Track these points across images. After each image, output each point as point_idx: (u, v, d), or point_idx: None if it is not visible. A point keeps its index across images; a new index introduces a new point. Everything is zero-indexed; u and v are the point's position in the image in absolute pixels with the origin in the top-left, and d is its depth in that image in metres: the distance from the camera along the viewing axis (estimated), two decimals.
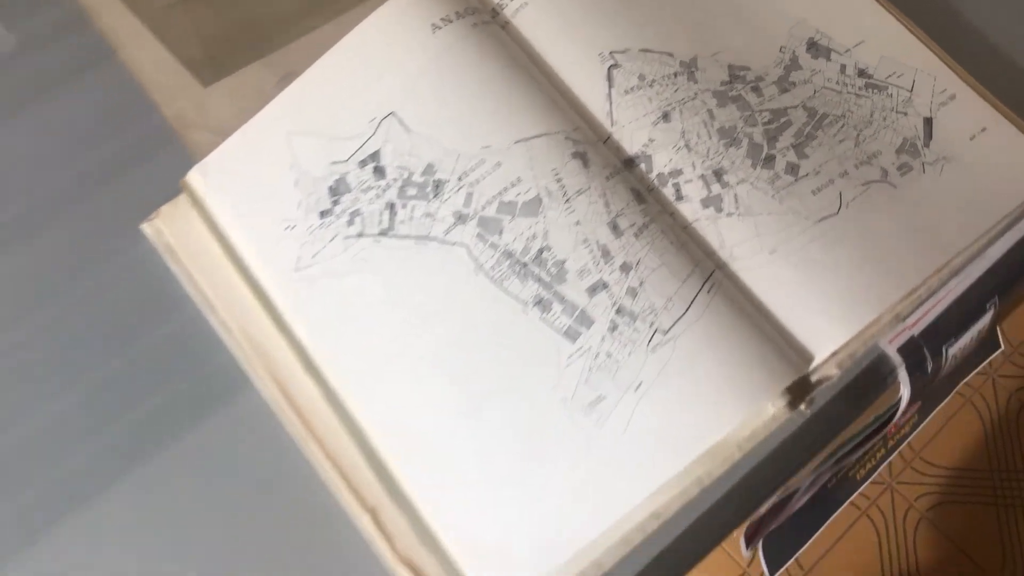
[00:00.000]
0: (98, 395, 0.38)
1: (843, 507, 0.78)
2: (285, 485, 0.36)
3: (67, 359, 0.38)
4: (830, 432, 0.39)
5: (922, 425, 0.83)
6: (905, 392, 0.40)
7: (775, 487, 0.38)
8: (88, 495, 0.36)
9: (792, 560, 0.73)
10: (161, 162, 0.42)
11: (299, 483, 0.36)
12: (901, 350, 0.39)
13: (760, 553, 0.74)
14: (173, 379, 0.38)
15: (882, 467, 0.80)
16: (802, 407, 0.37)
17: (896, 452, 0.82)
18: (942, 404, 0.82)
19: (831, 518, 0.78)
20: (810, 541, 0.77)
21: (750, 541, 0.74)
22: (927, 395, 0.49)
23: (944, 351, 0.41)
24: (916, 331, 0.40)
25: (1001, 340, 0.90)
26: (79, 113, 0.43)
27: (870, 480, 0.80)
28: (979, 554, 1.05)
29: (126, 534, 0.35)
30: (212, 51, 0.44)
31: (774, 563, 0.78)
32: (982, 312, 0.41)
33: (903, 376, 0.40)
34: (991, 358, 0.88)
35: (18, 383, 0.38)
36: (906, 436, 0.85)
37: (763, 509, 0.65)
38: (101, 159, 0.42)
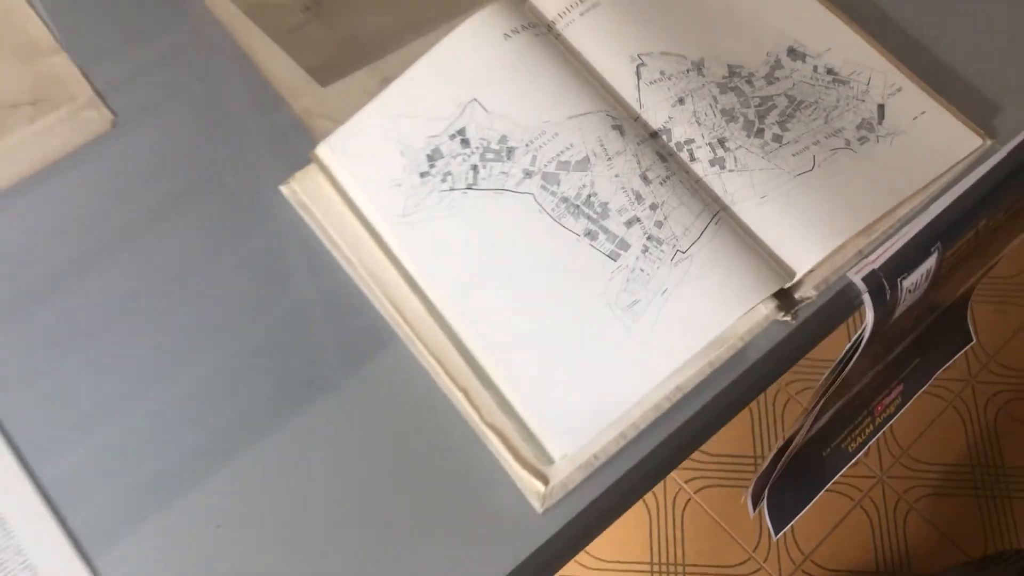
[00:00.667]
0: (259, 342, 0.49)
1: (838, 476, 0.89)
2: (401, 382, 0.48)
3: (234, 310, 0.50)
4: (814, 338, 0.50)
5: (905, 407, 0.95)
6: (870, 314, 0.52)
7: (771, 381, 0.50)
8: (260, 431, 0.47)
9: (795, 519, 0.83)
10: (291, 143, 0.54)
11: (410, 379, 0.48)
12: (865, 279, 0.51)
13: (765, 512, 0.84)
14: (318, 319, 0.50)
15: (871, 443, 0.91)
16: (789, 318, 0.48)
17: (883, 430, 0.93)
18: (921, 390, 0.94)
19: (828, 484, 0.89)
20: (810, 504, 0.88)
21: (756, 501, 0.85)
22: (890, 333, 0.61)
23: (899, 283, 0.52)
24: (876, 265, 0.51)
25: (973, 334, 1.02)
26: (226, 106, 0.56)
27: (861, 453, 0.91)
28: (963, 541, 1.15)
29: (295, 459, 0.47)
30: (328, 60, 0.57)
31: (778, 522, 0.88)
32: (927, 254, 0.53)
33: (867, 300, 0.51)
34: (965, 349, 0.99)
35: (183, 343, 0.49)
36: (891, 416, 0.97)
37: (764, 464, 0.76)
38: (245, 142, 0.55)
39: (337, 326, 0.49)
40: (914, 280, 0.54)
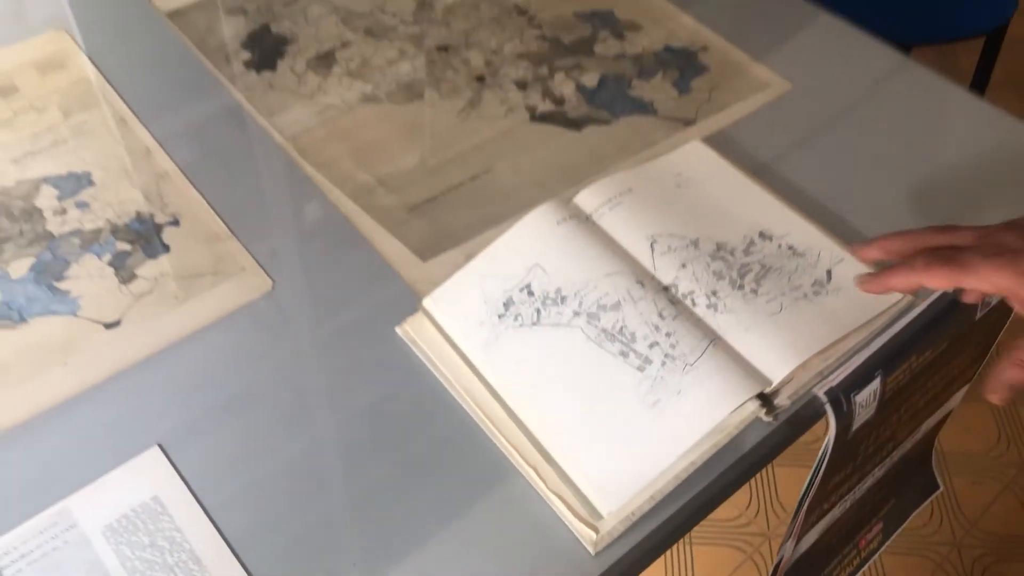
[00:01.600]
0: (390, 473, 0.67)
1: None
2: (482, 463, 0.65)
3: (364, 438, 0.68)
4: (791, 435, 0.68)
5: (886, 544, 1.09)
6: (832, 421, 0.69)
7: (763, 464, 0.67)
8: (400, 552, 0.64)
9: None
10: (402, 301, 0.74)
11: (491, 461, 0.65)
12: (826, 393, 0.69)
13: None
14: (433, 425, 0.68)
15: None
16: (771, 418, 0.66)
17: (868, 563, 1.07)
18: (900, 529, 1.09)
19: None
20: None
21: None
22: (859, 457, 0.77)
23: (852, 399, 0.70)
24: (834, 383, 0.70)
25: (939, 481, 1.18)
26: (354, 273, 0.76)
27: None
28: None
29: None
30: (427, 244, 0.78)
31: None
32: (873, 377, 0.71)
33: (829, 409, 0.69)
34: (933, 496, 1.15)
35: (311, 479, 0.67)
36: (874, 551, 1.11)
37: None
38: (368, 299, 0.75)
39: (434, 426, 0.67)
40: (864, 397, 0.72)
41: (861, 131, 0.88)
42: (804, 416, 0.69)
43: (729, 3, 1.08)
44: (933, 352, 0.77)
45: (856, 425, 0.73)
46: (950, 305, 0.72)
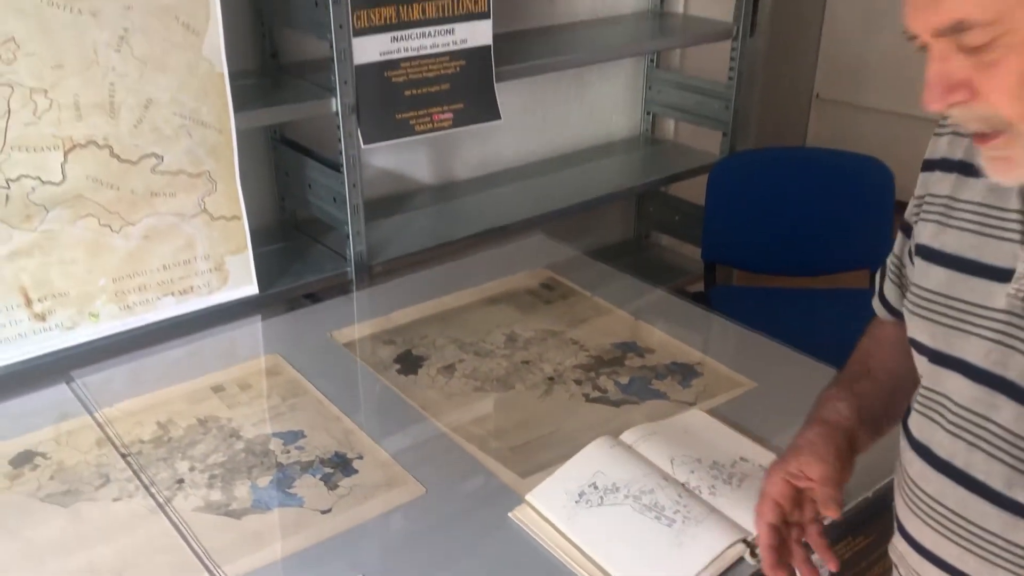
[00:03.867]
0: None
1: None
2: None
3: None
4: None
5: None
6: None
7: None
8: None
9: None
10: (510, 498, 1.15)
11: None
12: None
13: None
14: None
15: None
16: (754, 560, 1.04)
17: None
18: None
19: None
20: None
21: None
22: None
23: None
24: None
25: None
26: (472, 491, 1.18)
27: None
28: None
29: None
30: (524, 468, 1.20)
31: None
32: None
33: None
34: None
35: None
36: None
37: None
38: (500, 501, 1.16)
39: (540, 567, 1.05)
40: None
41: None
42: None
43: (717, 335, 1.60)
44: (866, 538, 1.15)
45: None
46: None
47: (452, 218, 2.03)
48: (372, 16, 1.60)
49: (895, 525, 0.93)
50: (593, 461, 1.16)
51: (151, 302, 1.51)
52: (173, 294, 1.53)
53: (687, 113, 2.47)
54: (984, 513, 0.79)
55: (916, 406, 0.87)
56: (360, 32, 1.60)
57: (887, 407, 0.97)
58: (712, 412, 1.30)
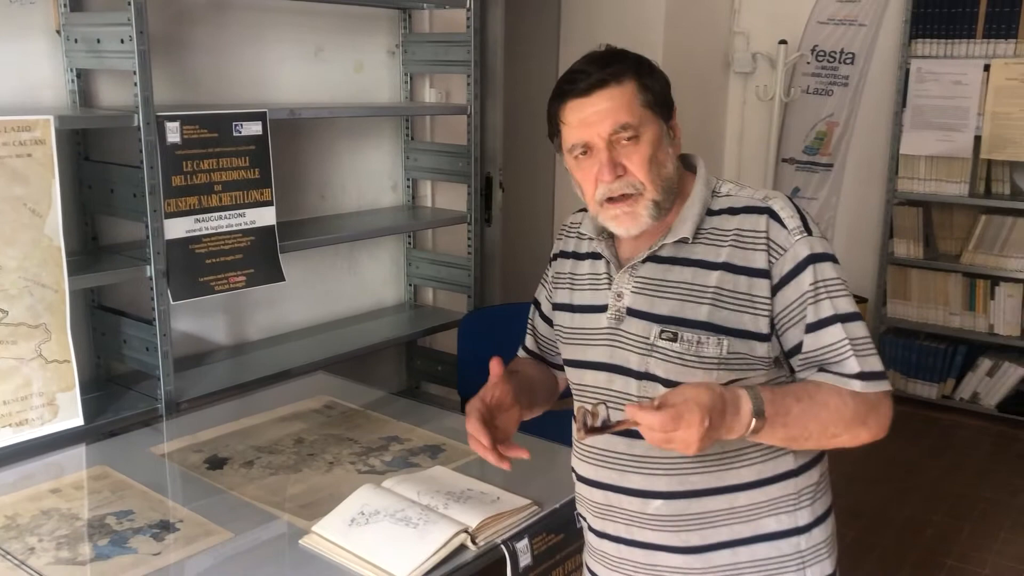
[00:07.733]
0: None
1: None
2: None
3: None
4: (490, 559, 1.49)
5: None
6: (506, 554, 1.52)
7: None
8: None
9: None
10: (299, 534, 1.55)
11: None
12: (503, 543, 1.53)
13: None
14: None
15: None
16: (474, 546, 1.49)
17: None
18: None
19: None
20: None
21: None
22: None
23: (513, 545, 1.54)
24: (507, 535, 1.54)
25: None
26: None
27: None
28: None
29: None
30: (312, 513, 1.61)
31: None
32: (522, 538, 1.56)
33: (504, 549, 1.52)
34: None
35: None
36: None
37: None
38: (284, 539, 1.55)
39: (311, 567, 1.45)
40: (521, 547, 1.56)
41: None
42: (495, 553, 1.52)
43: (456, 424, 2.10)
44: (556, 536, 1.64)
45: (522, 564, 1.56)
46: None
47: (246, 366, 2.46)
48: (180, 203, 2.08)
49: (573, 477, 1.43)
50: (361, 498, 1.59)
51: None
52: (11, 425, 1.84)
53: (440, 282, 3.08)
54: (611, 440, 1.32)
55: (574, 394, 1.41)
56: (170, 215, 2.07)
57: (529, 394, 1.50)
58: (455, 470, 1.78)
